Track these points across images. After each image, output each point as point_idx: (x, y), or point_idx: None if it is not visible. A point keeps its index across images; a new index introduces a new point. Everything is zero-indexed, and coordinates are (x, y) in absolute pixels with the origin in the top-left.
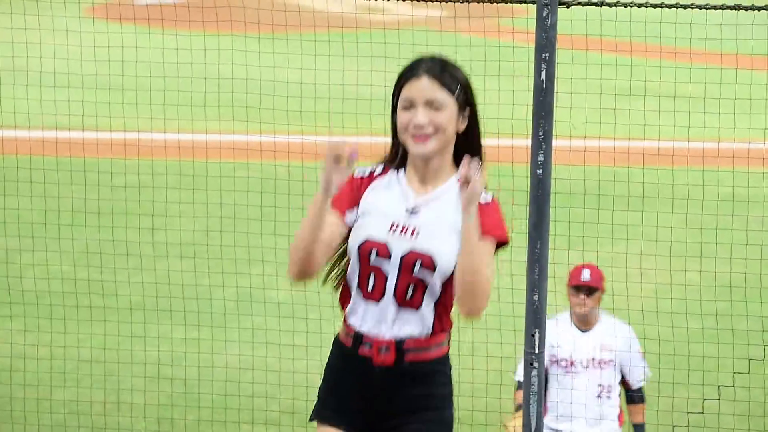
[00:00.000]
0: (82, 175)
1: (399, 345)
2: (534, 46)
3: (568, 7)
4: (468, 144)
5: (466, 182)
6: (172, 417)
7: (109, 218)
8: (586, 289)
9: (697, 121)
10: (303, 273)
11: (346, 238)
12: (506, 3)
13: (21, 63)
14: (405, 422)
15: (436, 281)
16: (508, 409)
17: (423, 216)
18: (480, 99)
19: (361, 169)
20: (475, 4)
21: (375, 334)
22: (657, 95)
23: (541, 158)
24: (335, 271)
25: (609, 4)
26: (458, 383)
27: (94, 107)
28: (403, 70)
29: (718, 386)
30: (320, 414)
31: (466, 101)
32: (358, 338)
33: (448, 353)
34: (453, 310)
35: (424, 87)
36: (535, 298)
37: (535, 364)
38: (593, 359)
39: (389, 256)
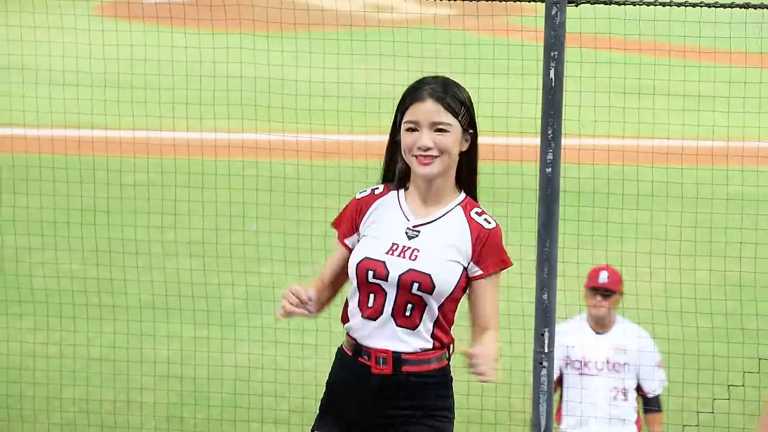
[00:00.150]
0: (91, 174)
1: (396, 356)
2: (543, 44)
3: (577, 5)
4: (468, 164)
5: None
6: (182, 416)
7: (119, 217)
8: (603, 291)
9: (707, 119)
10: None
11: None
12: (515, 1)
13: (30, 61)
14: (402, 428)
15: (434, 302)
16: (517, 407)
17: (423, 237)
18: (489, 98)
19: (362, 192)
20: (484, 2)
21: (375, 345)
22: (666, 94)
23: (550, 157)
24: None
25: (618, 3)
26: (468, 382)
27: (103, 105)
28: (407, 91)
29: (728, 386)
30: (320, 424)
31: (470, 122)
32: (358, 348)
33: (448, 366)
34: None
35: (429, 110)
36: (545, 297)
37: (545, 364)
38: (608, 361)
39: (386, 276)
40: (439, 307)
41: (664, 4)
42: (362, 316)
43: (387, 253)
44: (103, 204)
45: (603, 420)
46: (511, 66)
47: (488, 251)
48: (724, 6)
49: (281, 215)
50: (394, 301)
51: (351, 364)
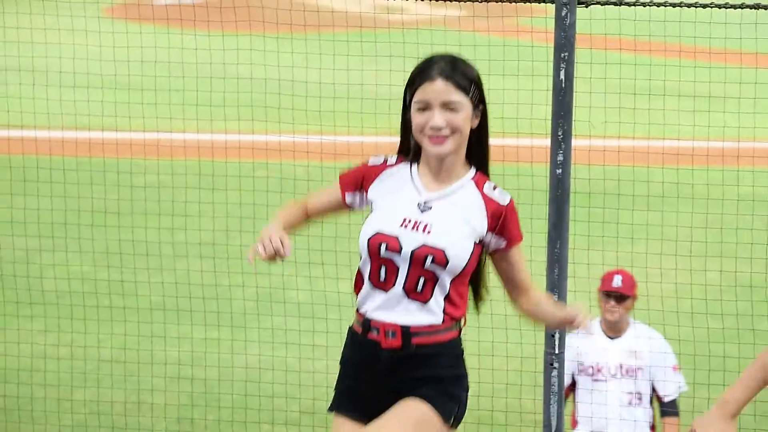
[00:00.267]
0: (101, 175)
1: (405, 329)
2: (553, 45)
3: (587, 7)
4: (479, 141)
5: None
6: (193, 417)
7: (129, 218)
8: (617, 295)
9: (717, 120)
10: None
11: (338, 210)
12: (525, 2)
13: (41, 63)
14: (414, 393)
15: (446, 276)
16: (528, 409)
17: (436, 212)
18: (499, 99)
19: (375, 158)
20: (494, 3)
21: (383, 320)
22: (676, 95)
23: (560, 158)
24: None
25: (628, 4)
26: (478, 383)
27: (113, 107)
28: (416, 71)
29: None
30: (334, 405)
31: (479, 99)
32: (367, 324)
33: (459, 337)
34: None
35: (439, 89)
36: (555, 298)
37: (556, 365)
38: (621, 366)
39: (399, 250)
40: (450, 282)
41: (674, 5)
42: (373, 287)
43: (400, 226)
44: (114, 206)
45: (618, 425)
46: (521, 67)
47: (509, 224)
48: (734, 7)
49: None
50: (407, 275)
51: (361, 341)
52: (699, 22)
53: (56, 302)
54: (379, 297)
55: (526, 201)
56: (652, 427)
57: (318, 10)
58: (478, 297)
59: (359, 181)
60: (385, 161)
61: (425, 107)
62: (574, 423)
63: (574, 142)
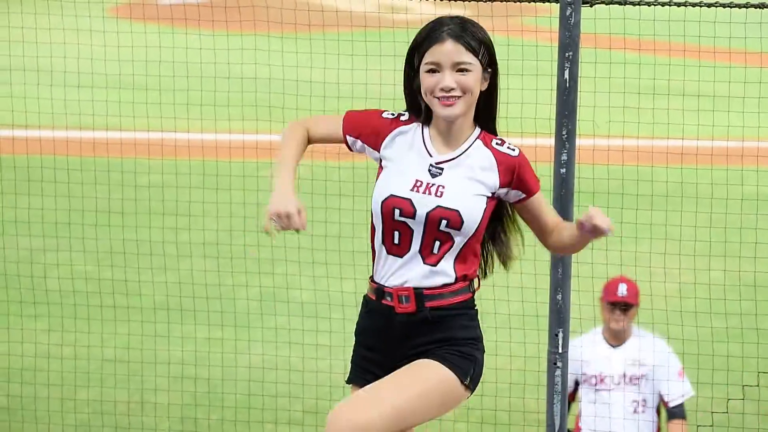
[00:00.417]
0: (106, 175)
1: (419, 292)
2: (557, 45)
3: (591, 6)
4: (487, 103)
5: (593, 231)
6: (196, 417)
7: (133, 218)
8: (623, 305)
9: (722, 119)
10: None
11: (338, 143)
12: (529, 2)
13: (45, 63)
14: (429, 355)
15: (461, 237)
16: (531, 408)
17: (447, 175)
18: (503, 98)
19: (388, 114)
20: (498, 3)
21: (396, 285)
22: (681, 94)
23: (564, 157)
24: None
25: (633, 3)
26: (482, 383)
27: (117, 107)
28: (424, 32)
29: (743, 386)
30: (351, 376)
31: (489, 61)
32: (381, 291)
33: (472, 298)
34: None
35: (449, 50)
36: (559, 297)
37: (559, 364)
38: (624, 375)
39: (414, 214)
40: (464, 242)
41: (678, 5)
42: (387, 252)
43: (412, 190)
44: (118, 205)
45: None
46: (525, 66)
47: (524, 175)
48: (739, 6)
49: None
50: (422, 239)
51: (376, 308)
52: (704, 22)
53: (60, 302)
54: (393, 262)
55: None
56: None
57: (322, 10)
58: (507, 256)
59: (367, 130)
60: (399, 116)
61: (435, 69)
62: (578, 430)
63: (578, 142)
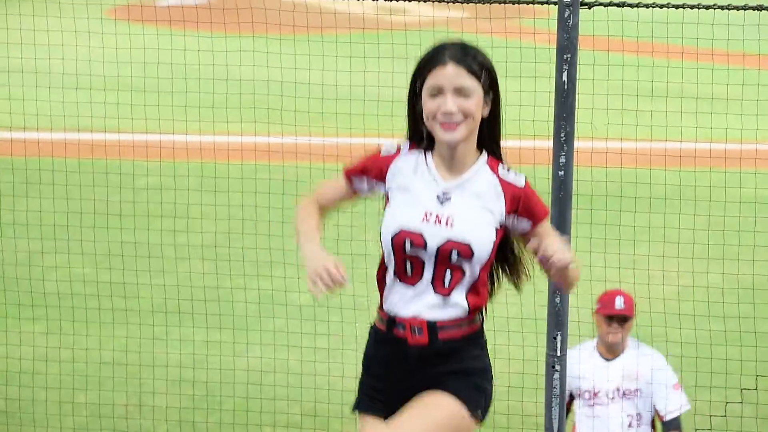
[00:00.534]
0: (104, 177)
1: (431, 325)
2: (556, 47)
3: (589, 8)
4: (491, 128)
5: (547, 262)
6: (194, 420)
7: (131, 220)
8: (620, 318)
9: (720, 122)
10: None
11: (348, 200)
12: (528, 4)
13: (43, 65)
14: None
15: (471, 267)
16: (529, 412)
17: (456, 202)
18: (501, 100)
19: (388, 146)
20: (497, 5)
21: (409, 316)
22: (679, 96)
23: (562, 160)
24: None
25: (631, 5)
26: None
27: (116, 109)
28: (426, 56)
29: (741, 389)
30: (360, 404)
31: (491, 85)
32: (392, 321)
33: (482, 327)
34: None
35: (450, 74)
36: (557, 300)
37: (557, 367)
38: (618, 389)
39: (425, 246)
40: (474, 272)
41: (676, 7)
42: (398, 282)
43: (423, 221)
44: (116, 207)
45: None
46: (523, 69)
47: (531, 205)
48: (737, 8)
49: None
50: (434, 270)
51: (386, 339)
52: (701, 24)
53: (58, 304)
54: (405, 292)
55: None
56: None
57: (320, 11)
58: (518, 277)
59: (369, 166)
60: (399, 149)
61: (437, 93)
62: None
63: (577, 144)
